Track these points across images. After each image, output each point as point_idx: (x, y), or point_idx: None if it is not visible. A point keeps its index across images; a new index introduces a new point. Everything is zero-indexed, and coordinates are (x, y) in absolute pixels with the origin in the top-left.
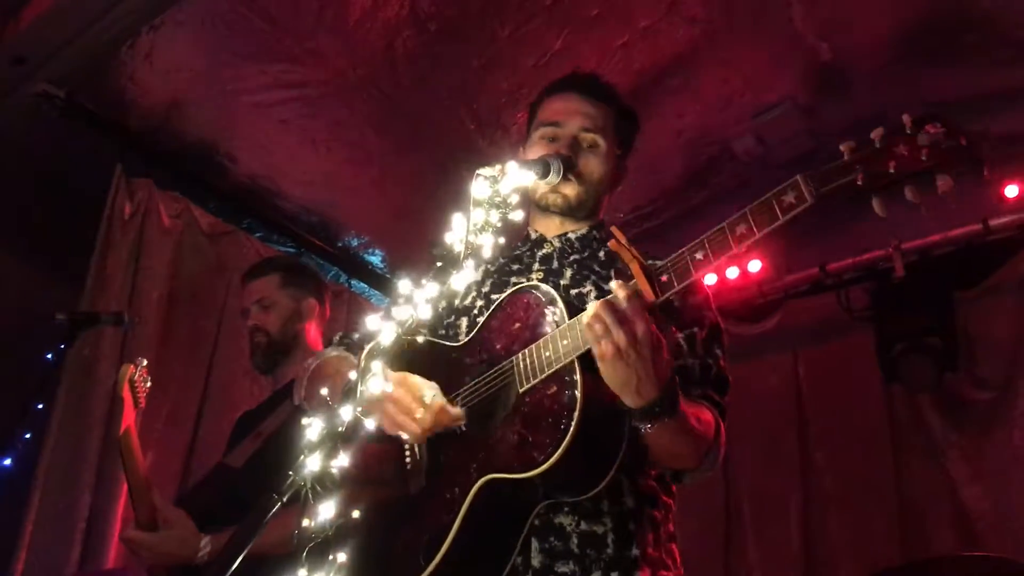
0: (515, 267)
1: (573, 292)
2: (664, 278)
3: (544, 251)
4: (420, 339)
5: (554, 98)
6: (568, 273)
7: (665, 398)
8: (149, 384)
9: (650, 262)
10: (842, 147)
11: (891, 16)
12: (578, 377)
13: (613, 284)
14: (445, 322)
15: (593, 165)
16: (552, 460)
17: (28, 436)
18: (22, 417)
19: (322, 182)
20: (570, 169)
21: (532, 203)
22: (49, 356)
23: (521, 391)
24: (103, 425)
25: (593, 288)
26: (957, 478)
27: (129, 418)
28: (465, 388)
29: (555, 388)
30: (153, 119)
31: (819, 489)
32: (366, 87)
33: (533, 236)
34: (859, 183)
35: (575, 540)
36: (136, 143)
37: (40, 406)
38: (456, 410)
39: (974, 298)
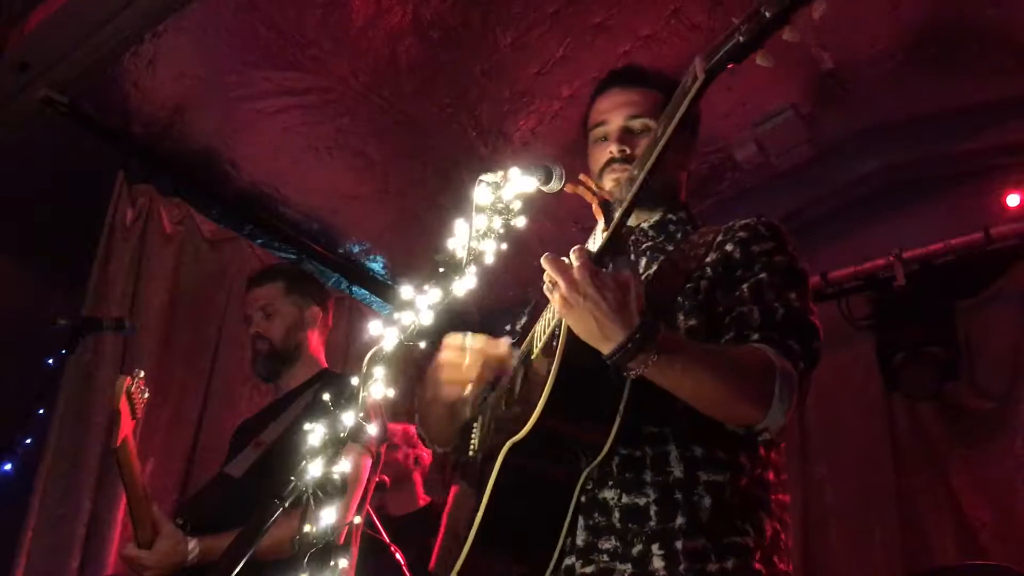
0: None
1: (643, 276)
2: (615, 208)
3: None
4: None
5: (597, 100)
6: (643, 262)
7: (635, 336)
8: (147, 395)
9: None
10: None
11: (893, 25)
12: (561, 332)
13: None
14: None
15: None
16: (540, 406)
17: (29, 441)
18: (23, 422)
19: (324, 189)
20: (627, 162)
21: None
22: (50, 362)
23: (533, 357)
24: (104, 431)
25: (657, 266)
26: (958, 487)
27: (126, 429)
28: (511, 371)
29: (552, 344)
30: (156, 125)
31: (820, 499)
32: (368, 94)
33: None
34: (741, 40)
35: (617, 514)
36: (139, 149)
37: (41, 412)
38: (500, 342)
39: (975, 307)
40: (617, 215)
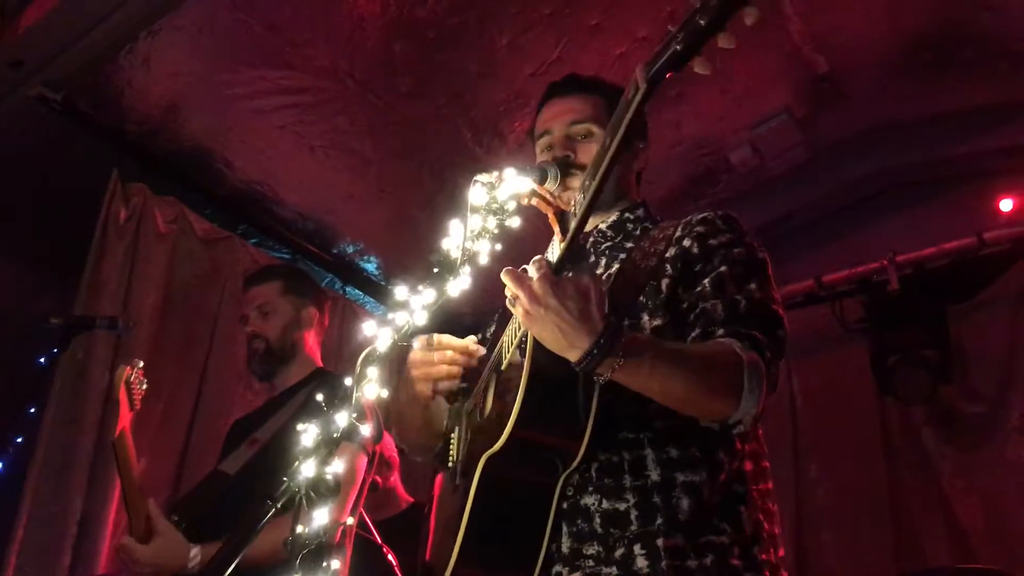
0: None
1: (604, 276)
2: (570, 219)
3: None
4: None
5: (540, 112)
6: (603, 262)
7: (599, 341)
8: (145, 386)
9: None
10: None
11: (888, 29)
12: (528, 343)
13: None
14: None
15: (593, 153)
16: (512, 419)
17: (20, 440)
18: (14, 421)
19: (318, 188)
20: (569, 168)
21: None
22: (42, 360)
23: (503, 367)
24: (95, 430)
25: (618, 265)
26: (950, 491)
27: (124, 420)
28: (480, 380)
29: (519, 357)
30: (150, 124)
31: (812, 501)
32: (363, 94)
33: None
34: (679, 48)
35: (598, 520)
36: (132, 148)
37: (32, 410)
38: (465, 341)
39: (968, 311)
40: (573, 224)
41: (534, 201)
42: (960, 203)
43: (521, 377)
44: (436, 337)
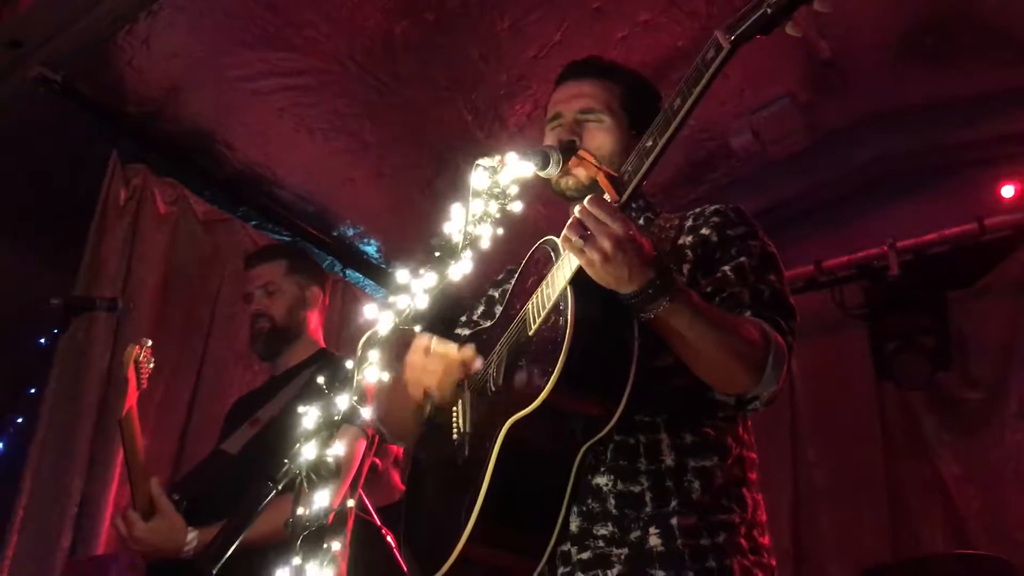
0: None
1: None
2: (626, 177)
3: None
4: (417, 329)
5: (554, 92)
6: None
7: (657, 275)
8: (152, 365)
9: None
10: None
11: (891, 15)
12: (568, 297)
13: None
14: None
15: (600, 139)
16: (552, 379)
17: (20, 420)
18: (14, 401)
19: (319, 171)
20: (571, 151)
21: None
22: (42, 341)
23: (530, 334)
24: (95, 411)
25: None
26: (948, 477)
27: (132, 399)
28: (494, 353)
29: (553, 318)
30: (150, 105)
31: (810, 485)
32: (364, 76)
33: None
34: (769, 11)
35: (612, 501)
36: (132, 129)
37: (32, 391)
38: (463, 354)
39: (968, 298)
40: (635, 181)
41: (582, 164)
42: (961, 189)
43: (557, 342)
44: (433, 345)
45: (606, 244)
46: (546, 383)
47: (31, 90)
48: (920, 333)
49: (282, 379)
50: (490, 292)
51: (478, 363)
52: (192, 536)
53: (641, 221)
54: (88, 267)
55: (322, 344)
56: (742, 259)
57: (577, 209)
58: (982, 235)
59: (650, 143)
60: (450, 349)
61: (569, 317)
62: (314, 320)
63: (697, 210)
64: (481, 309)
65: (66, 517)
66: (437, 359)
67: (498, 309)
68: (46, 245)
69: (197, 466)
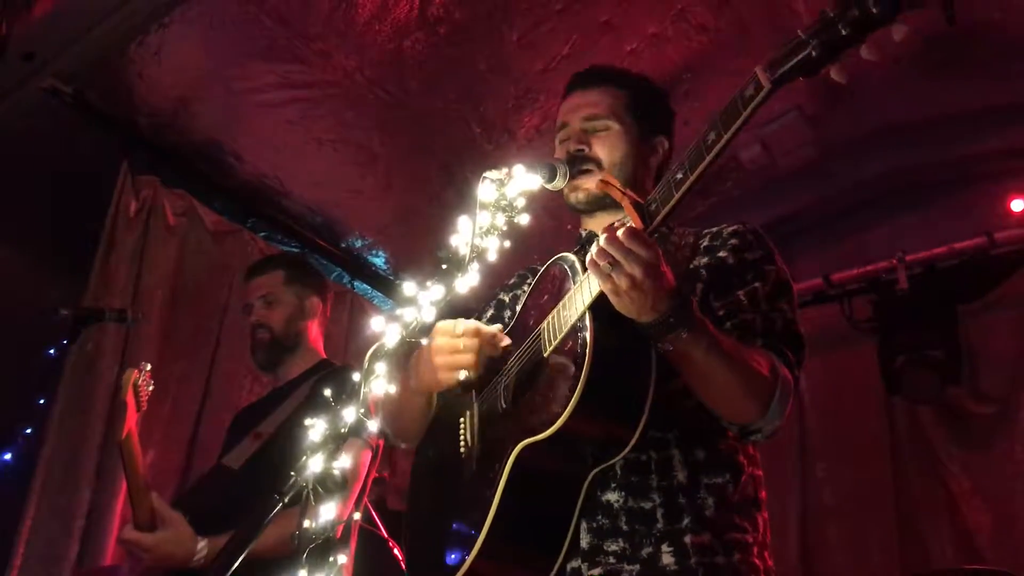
0: None
1: None
2: (652, 207)
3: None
4: (423, 342)
5: (562, 103)
6: None
7: (677, 306)
8: (152, 388)
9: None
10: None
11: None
12: (588, 322)
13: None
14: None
15: (608, 147)
16: (570, 408)
17: (29, 431)
18: (24, 412)
19: (328, 182)
20: (578, 164)
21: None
22: (51, 351)
23: (545, 355)
24: (104, 421)
25: None
26: (957, 492)
27: (131, 422)
28: (506, 368)
29: (571, 343)
30: (160, 117)
31: (818, 500)
32: (373, 89)
33: (583, 235)
34: (814, 55)
35: (623, 517)
36: (143, 140)
37: (42, 401)
38: (492, 328)
39: (978, 311)
40: (663, 212)
41: (608, 189)
42: (971, 203)
43: (576, 367)
44: (461, 323)
45: (637, 272)
46: (562, 412)
47: (43, 102)
48: (929, 347)
49: (283, 390)
50: (500, 296)
51: (506, 340)
52: (203, 545)
53: (655, 235)
54: (98, 278)
55: (323, 354)
56: (756, 284)
57: (606, 236)
58: (992, 249)
59: (680, 175)
60: (480, 326)
61: (588, 345)
62: (314, 330)
63: (714, 229)
64: (491, 313)
65: (73, 528)
66: (471, 335)
67: (507, 314)
68: (56, 255)
69: (199, 481)
